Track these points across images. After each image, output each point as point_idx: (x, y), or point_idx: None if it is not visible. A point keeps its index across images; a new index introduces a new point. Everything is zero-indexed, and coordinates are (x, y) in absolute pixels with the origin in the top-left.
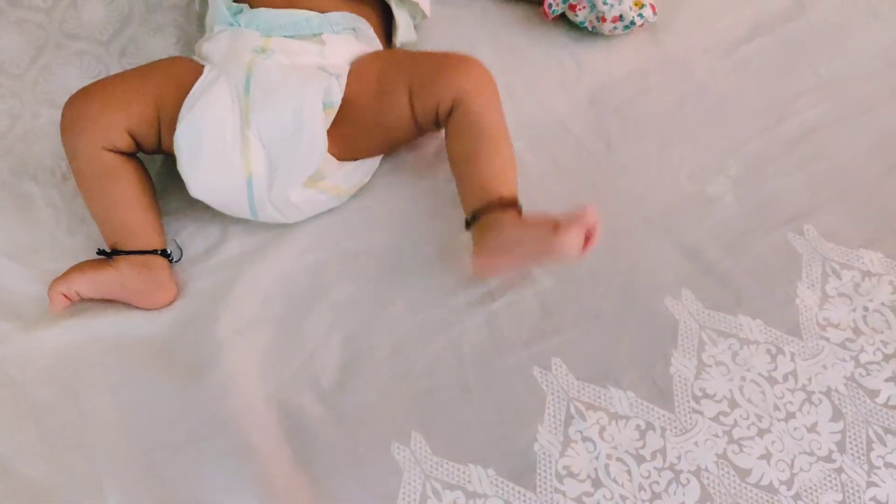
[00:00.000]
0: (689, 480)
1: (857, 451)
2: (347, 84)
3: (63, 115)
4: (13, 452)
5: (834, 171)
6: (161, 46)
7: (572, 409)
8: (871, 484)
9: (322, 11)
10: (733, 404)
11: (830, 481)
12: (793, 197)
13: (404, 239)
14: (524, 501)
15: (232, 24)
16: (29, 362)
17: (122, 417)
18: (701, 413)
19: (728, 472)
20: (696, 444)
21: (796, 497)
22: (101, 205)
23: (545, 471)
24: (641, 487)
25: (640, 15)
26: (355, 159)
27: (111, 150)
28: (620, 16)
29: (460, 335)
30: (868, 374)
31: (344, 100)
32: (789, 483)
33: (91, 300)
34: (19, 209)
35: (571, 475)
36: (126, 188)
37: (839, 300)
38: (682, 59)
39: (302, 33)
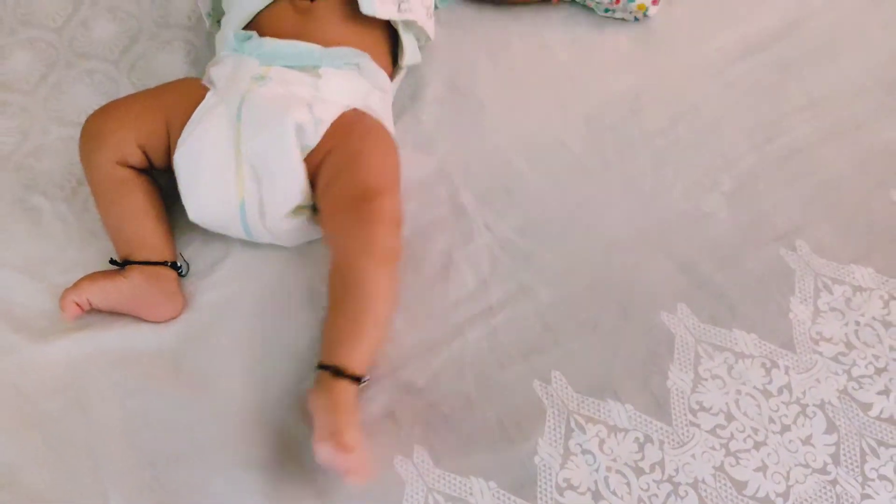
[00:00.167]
0: (687, 493)
1: (852, 463)
2: (326, 134)
3: (81, 132)
4: (19, 461)
5: (824, 187)
6: (170, 62)
7: (572, 422)
8: (865, 496)
9: (326, 45)
10: (730, 417)
11: (825, 493)
12: (784, 213)
13: (406, 253)
14: None
15: (237, 51)
16: (36, 373)
17: (127, 428)
18: (698, 426)
19: (725, 485)
20: (693, 456)
21: None
22: (114, 217)
23: (546, 483)
24: (640, 499)
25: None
26: None
27: (124, 165)
28: None
29: (462, 349)
30: (861, 388)
31: (320, 146)
32: (785, 495)
33: (100, 313)
34: (29, 223)
35: (572, 487)
36: (138, 201)
37: (831, 315)
38: (675, 79)
39: (302, 64)
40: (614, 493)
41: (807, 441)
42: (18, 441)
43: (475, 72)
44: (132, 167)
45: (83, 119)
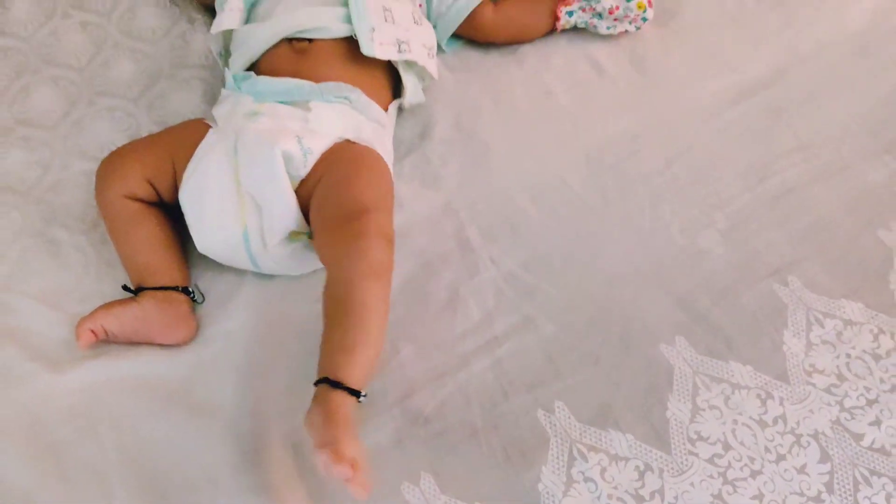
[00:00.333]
0: None
1: (845, 492)
2: (316, 164)
3: (95, 174)
4: (35, 488)
5: (814, 226)
6: (187, 100)
7: (575, 451)
8: None
9: (317, 81)
10: (727, 446)
11: None
12: (777, 250)
13: (414, 286)
14: None
15: (235, 90)
16: (52, 400)
17: (141, 455)
18: (696, 455)
19: None
20: (692, 484)
21: None
22: (127, 247)
23: None
24: None
25: (644, 19)
26: None
27: (133, 198)
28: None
29: (468, 379)
30: (853, 419)
31: (310, 175)
32: None
33: (115, 342)
34: (48, 255)
35: None
36: (148, 231)
37: (823, 348)
38: (671, 122)
39: (293, 99)
40: None
41: (801, 470)
42: (34, 468)
43: (481, 113)
44: (142, 200)
45: (103, 154)
